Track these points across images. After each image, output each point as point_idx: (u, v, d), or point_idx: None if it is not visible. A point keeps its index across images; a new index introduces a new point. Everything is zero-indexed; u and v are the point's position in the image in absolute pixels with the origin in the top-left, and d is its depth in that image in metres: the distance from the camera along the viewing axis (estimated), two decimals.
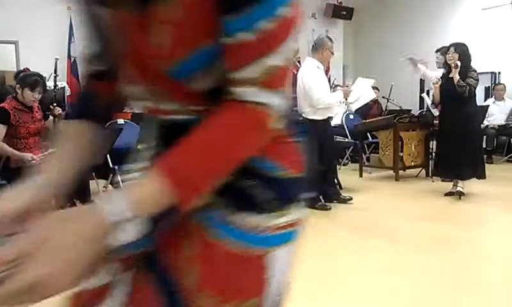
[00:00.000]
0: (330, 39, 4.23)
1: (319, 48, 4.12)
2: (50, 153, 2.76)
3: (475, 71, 4.41)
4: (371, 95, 4.48)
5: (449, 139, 4.45)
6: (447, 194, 4.60)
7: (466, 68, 4.33)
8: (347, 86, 4.25)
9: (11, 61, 6.81)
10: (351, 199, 4.39)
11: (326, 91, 4.08)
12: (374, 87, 5.04)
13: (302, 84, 4.11)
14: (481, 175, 4.47)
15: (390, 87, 7.45)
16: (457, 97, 4.31)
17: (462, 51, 4.37)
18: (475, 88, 4.38)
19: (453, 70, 4.30)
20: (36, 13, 6.79)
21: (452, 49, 4.40)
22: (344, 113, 6.62)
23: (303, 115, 4.12)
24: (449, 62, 4.39)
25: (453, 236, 3.42)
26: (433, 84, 4.50)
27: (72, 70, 7.04)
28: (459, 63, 4.28)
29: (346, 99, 4.22)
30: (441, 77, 4.57)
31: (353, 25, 10.45)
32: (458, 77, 4.27)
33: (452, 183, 4.63)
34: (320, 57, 4.10)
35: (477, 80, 4.41)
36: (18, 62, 6.75)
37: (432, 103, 5.09)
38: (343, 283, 2.55)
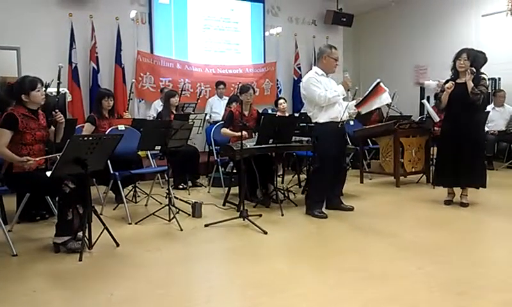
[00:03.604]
0: (330, 46, 4.31)
1: (320, 57, 4.31)
2: (51, 158, 2.76)
3: (485, 78, 4.27)
4: (385, 100, 4.36)
5: (453, 146, 4.31)
6: (447, 201, 4.56)
7: (477, 75, 4.20)
8: (345, 76, 4.25)
9: (12, 67, 6.83)
10: (353, 209, 4.36)
11: (323, 88, 4.11)
12: None
13: (302, 89, 4.31)
14: (483, 184, 4.39)
15: (392, 94, 7.42)
16: (467, 104, 4.18)
17: (474, 57, 4.25)
18: (486, 96, 4.25)
19: (467, 76, 4.17)
20: (38, 20, 6.83)
21: (464, 55, 4.25)
22: (347, 118, 6.60)
23: (312, 118, 4.28)
24: (460, 69, 4.26)
25: (454, 242, 3.41)
26: (447, 88, 4.28)
27: (73, 76, 7.06)
28: (474, 70, 4.17)
29: (348, 90, 4.23)
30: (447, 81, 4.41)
31: (353, 31, 10.49)
32: (472, 84, 4.15)
33: (452, 190, 4.59)
34: (322, 65, 4.26)
35: (487, 87, 4.26)
36: (20, 68, 6.77)
37: (436, 107, 5.00)
38: (341, 291, 2.53)
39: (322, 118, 4.16)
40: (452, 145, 4.34)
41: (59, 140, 3.48)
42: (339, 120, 4.19)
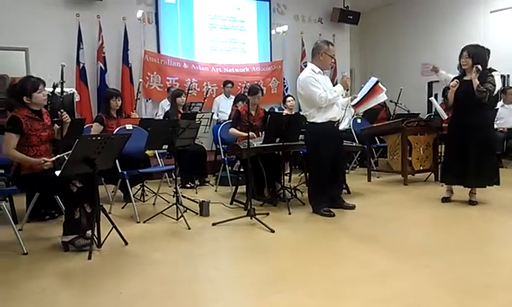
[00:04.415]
0: (327, 42, 4.23)
1: (316, 54, 4.20)
2: (59, 159, 2.79)
3: (492, 75, 4.18)
4: (381, 98, 4.38)
5: (460, 143, 4.27)
6: (444, 198, 4.53)
7: (483, 72, 4.13)
8: (344, 74, 4.22)
9: (21, 68, 6.89)
10: (354, 207, 4.34)
11: (322, 88, 4.06)
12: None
13: (299, 88, 4.22)
14: (494, 182, 4.34)
15: (398, 92, 7.39)
16: (474, 102, 4.13)
17: (476, 54, 4.19)
18: (493, 93, 4.18)
19: (473, 74, 4.12)
20: (45, 20, 6.89)
21: (465, 53, 4.22)
22: (352, 117, 6.61)
23: (307, 119, 4.23)
24: (464, 67, 4.23)
25: (462, 241, 3.39)
26: (452, 86, 4.26)
27: (80, 76, 7.11)
28: (480, 67, 4.10)
29: (347, 90, 4.20)
30: (454, 79, 4.37)
31: (360, 29, 10.45)
32: (478, 82, 4.09)
33: (451, 187, 4.55)
34: (319, 62, 4.18)
35: (495, 85, 4.18)
36: (28, 69, 6.83)
37: (444, 104, 4.97)
38: (347, 289, 2.53)
39: (320, 118, 4.10)
40: (459, 143, 4.31)
41: (62, 137, 3.49)
42: (336, 120, 4.17)
